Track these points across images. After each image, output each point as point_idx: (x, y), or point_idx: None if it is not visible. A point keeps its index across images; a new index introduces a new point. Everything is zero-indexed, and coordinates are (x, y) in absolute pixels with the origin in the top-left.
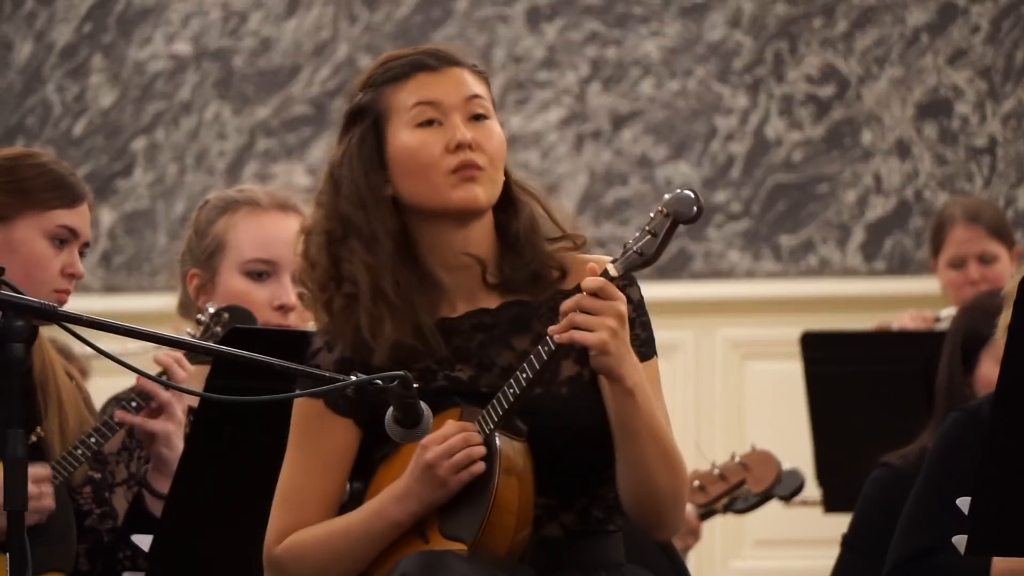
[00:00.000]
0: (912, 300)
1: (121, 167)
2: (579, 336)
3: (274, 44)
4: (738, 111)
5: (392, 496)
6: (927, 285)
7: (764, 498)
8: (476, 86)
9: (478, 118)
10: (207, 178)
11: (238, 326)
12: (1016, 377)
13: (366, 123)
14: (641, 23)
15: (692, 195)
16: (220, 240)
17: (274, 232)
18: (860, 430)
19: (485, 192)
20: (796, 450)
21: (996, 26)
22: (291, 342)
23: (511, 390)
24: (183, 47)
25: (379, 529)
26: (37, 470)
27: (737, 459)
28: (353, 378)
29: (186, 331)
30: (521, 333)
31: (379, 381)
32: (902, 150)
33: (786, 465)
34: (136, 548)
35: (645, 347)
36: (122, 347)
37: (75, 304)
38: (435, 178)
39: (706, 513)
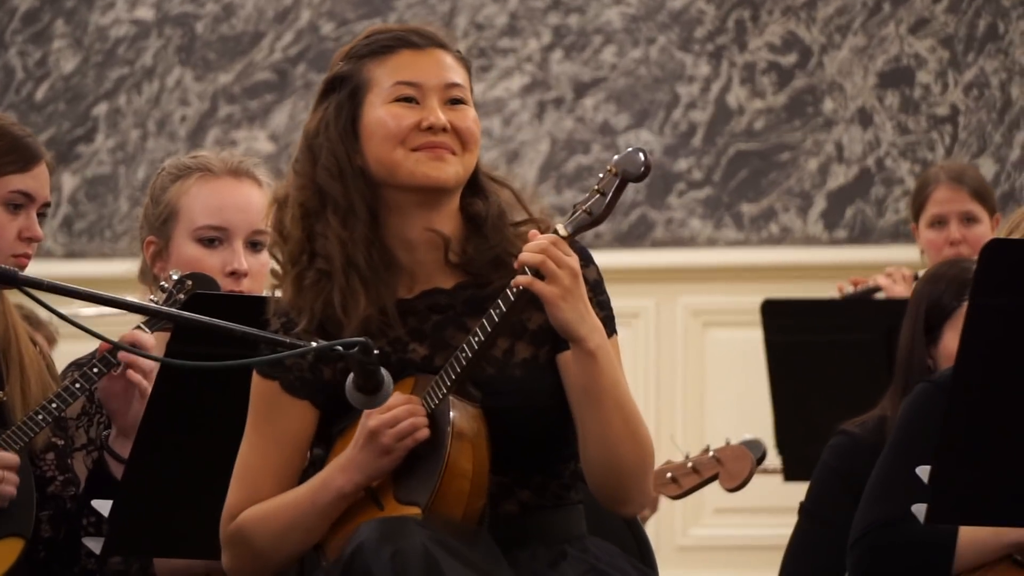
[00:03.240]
0: (873, 269)
1: (83, 132)
2: (538, 285)
3: (236, 10)
4: (700, 79)
5: (337, 466)
6: (888, 253)
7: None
8: (456, 73)
9: (455, 102)
10: (169, 144)
11: (200, 291)
12: (975, 347)
13: (344, 93)
14: None
15: (640, 153)
16: (173, 207)
17: (226, 198)
18: (820, 398)
19: (454, 172)
20: (757, 418)
21: None
22: (252, 308)
23: (463, 354)
24: (145, 12)
25: (326, 500)
26: (5, 455)
27: (711, 453)
28: (314, 344)
29: (149, 298)
30: (476, 315)
31: (339, 347)
32: (864, 119)
33: (748, 435)
34: (99, 514)
35: (605, 326)
36: (74, 311)
37: (36, 269)
38: (400, 151)
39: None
